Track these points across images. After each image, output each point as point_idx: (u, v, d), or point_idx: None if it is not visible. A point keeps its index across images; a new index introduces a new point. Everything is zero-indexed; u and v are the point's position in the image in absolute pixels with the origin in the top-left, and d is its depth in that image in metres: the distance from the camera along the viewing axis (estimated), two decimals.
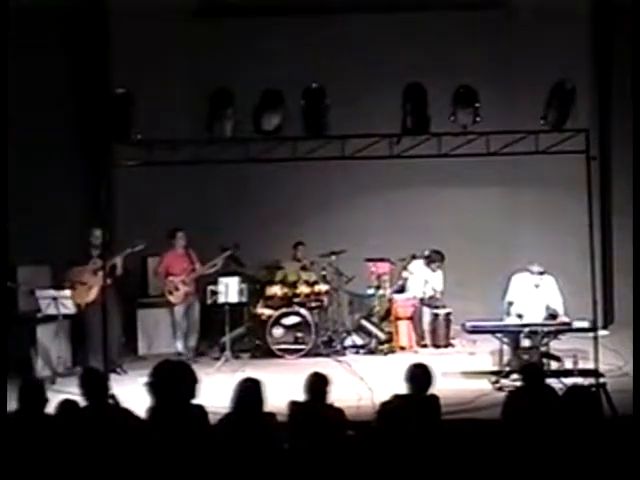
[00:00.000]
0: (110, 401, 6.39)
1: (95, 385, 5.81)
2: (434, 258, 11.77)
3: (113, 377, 8.91)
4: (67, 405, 5.72)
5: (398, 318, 11.53)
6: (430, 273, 11.81)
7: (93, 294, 9.91)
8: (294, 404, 5.86)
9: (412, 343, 11.48)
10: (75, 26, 12.30)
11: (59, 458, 5.30)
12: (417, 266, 11.88)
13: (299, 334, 11.13)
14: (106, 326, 8.63)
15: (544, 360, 9.10)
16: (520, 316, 9.68)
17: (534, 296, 9.79)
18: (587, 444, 5.03)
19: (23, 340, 9.98)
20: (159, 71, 12.20)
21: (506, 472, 5.35)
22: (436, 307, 11.63)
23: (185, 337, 10.93)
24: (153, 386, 5.35)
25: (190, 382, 5.37)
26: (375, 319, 11.79)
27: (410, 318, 11.58)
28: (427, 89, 8.37)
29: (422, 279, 11.79)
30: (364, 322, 11.79)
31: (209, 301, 10.95)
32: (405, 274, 11.85)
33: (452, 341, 11.54)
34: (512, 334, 9.20)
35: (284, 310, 11.25)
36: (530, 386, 6.32)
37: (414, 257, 11.90)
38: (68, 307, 9.91)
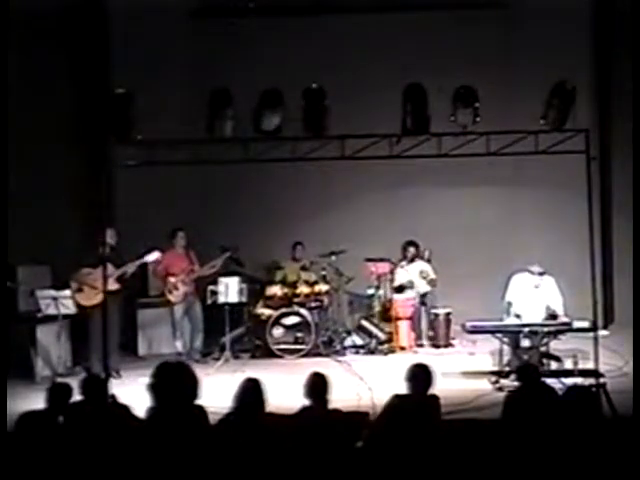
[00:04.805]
0: (110, 400, 6.39)
1: (96, 390, 5.82)
2: (406, 249, 11.80)
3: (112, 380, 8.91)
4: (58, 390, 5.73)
5: (398, 318, 11.51)
6: (414, 267, 11.77)
7: (100, 297, 9.78)
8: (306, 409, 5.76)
9: (412, 343, 11.47)
10: (75, 26, 12.32)
11: (59, 457, 5.31)
12: (411, 266, 11.89)
13: (299, 334, 11.13)
14: (107, 329, 8.60)
15: (544, 360, 9.10)
16: (518, 316, 9.69)
17: (534, 296, 9.78)
18: (587, 444, 5.03)
19: (23, 340, 9.98)
20: (159, 71, 12.20)
21: (506, 472, 5.35)
22: (435, 307, 11.63)
23: (191, 338, 10.91)
24: (155, 388, 5.34)
25: (191, 384, 5.36)
26: (375, 319, 11.79)
27: (410, 318, 11.57)
28: (427, 89, 8.37)
29: (415, 277, 11.79)
30: (364, 322, 11.78)
31: (209, 301, 10.95)
32: (398, 275, 11.87)
33: (452, 341, 11.55)
34: (512, 334, 9.19)
35: (284, 310, 11.25)
36: (527, 386, 6.32)
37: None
38: (68, 307, 9.90)
